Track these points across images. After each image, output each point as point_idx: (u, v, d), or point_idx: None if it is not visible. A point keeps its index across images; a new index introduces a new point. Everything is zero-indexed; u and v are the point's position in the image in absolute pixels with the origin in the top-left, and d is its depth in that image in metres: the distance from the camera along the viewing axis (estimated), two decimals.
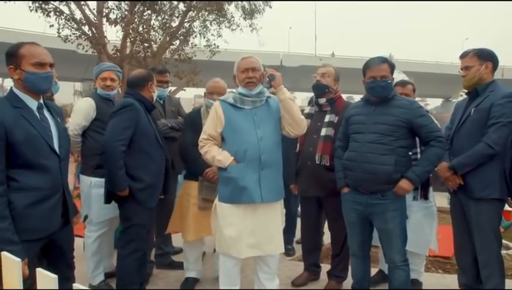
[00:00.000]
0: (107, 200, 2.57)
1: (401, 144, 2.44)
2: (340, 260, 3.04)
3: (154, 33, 12.59)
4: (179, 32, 12.89)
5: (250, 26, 14.25)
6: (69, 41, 11.61)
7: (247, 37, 16.56)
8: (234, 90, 2.56)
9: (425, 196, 2.87)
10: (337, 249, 3.04)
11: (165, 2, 12.58)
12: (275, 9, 14.26)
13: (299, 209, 3.92)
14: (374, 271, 3.08)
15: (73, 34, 11.68)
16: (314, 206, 3.09)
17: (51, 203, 1.83)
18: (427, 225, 2.89)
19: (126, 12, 11.91)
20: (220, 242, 2.44)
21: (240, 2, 13.56)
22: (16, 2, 11.21)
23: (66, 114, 3.47)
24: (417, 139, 2.64)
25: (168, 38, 12.63)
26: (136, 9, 11.91)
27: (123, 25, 11.48)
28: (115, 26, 11.63)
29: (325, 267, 3.24)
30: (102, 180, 2.65)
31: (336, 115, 2.95)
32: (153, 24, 12.56)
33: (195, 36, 13.53)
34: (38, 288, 0.99)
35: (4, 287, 1.10)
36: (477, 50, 2.52)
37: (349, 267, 2.94)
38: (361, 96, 2.71)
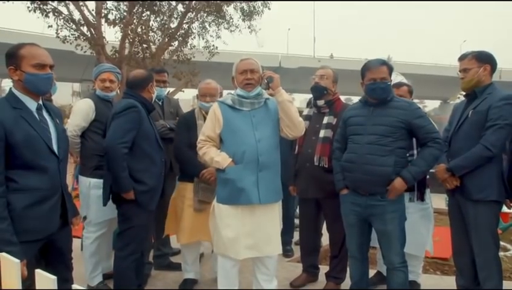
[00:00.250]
0: (106, 202, 2.55)
1: (399, 145, 2.44)
2: (338, 262, 3.05)
3: (152, 34, 12.61)
4: (178, 34, 12.90)
5: (249, 27, 14.28)
6: (67, 42, 11.59)
7: (246, 38, 16.65)
8: (233, 92, 2.56)
9: (421, 198, 2.88)
10: (335, 250, 3.05)
11: (163, 3, 12.59)
12: (273, 11, 14.28)
13: (297, 210, 3.94)
14: (372, 273, 3.09)
15: (72, 34, 11.66)
16: (312, 207, 3.09)
17: (49, 204, 1.82)
18: (424, 227, 2.89)
19: (125, 13, 11.92)
20: (218, 243, 2.44)
21: (238, 4, 13.57)
22: (15, 2, 11.19)
23: (64, 115, 3.47)
24: (414, 140, 2.65)
25: (166, 39, 12.65)
26: (134, 10, 11.92)
27: (122, 25, 11.49)
28: (113, 27, 11.64)
29: (324, 268, 3.25)
30: (101, 181, 2.64)
31: (334, 116, 2.95)
32: (152, 25, 12.58)
33: (194, 37, 13.56)
34: (37, 289, 0.99)
35: (3, 288, 1.10)
36: (476, 52, 2.53)
37: (348, 269, 2.94)
38: (360, 98, 2.71)
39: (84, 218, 3.06)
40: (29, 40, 2.18)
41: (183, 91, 13.92)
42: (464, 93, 2.63)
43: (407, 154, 2.61)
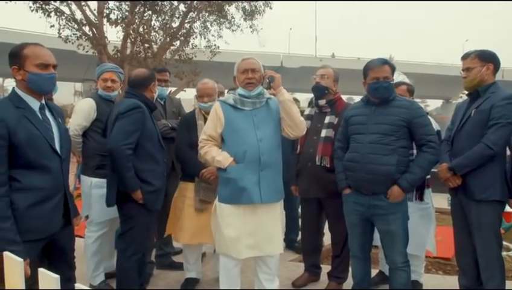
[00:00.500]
0: (111, 202, 2.52)
1: (402, 144, 2.44)
2: (340, 261, 3.04)
3: (154, 34, 12.60)
4: (180, 33, 12.89)
5: (250, 27, 14.26)
6: (69, 41, 11.60)
7: (247, 38, 16.60)
8: (232, 91, 2.56)
9: (420, 197, 2.88)
10: (337, 250, 3.05)
11: (165, 2, 12.59)
12: (275, 10, 14.26)
13: (299, 210, 3.94)
14: (374, 272, 3.08)
15: (74, 34, 11.66)
16: (314, 207, 3.09)
17: (52, 204, 1.83)
18: (423, 227, 2.88)
19: (127, 13, 11.92)
20: (220, 243, 2.45)
21: (240, 3, 13.57)
22: (17, 2, 11.21)
23: (66, 115, 3.47)
24: None
25: (168, 39, 12.64)
26: (136, 10, 11.91)
27: (124, 25, 11.48)
28: (115, 26, 11.63)
29: (326, 268, 3.24)
30: (103, 180, 2.65)
31: (335, 116, 2.95)
32: (154, 25, 12.57)
33: (196, 37, 13.56)
34: (40, 288, 0.99)
35: (6, 287, 1.10)
36: (479, 51, 2.52)
37: (350, 268, 2.94)
38: (362, 97, 2.71)
39: (87, 217, 3.06)
40: (31, 39, 2.18)
41: (184, 91, 13.89)
42: (467, 92, 2.62)
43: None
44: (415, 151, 2.73)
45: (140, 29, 11.84)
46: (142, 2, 11.73)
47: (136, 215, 2.48)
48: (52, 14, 11.35)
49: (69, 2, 11.46)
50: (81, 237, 3.04)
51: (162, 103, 3.34)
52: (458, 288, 2.72)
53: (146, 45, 11.98)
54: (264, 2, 13.73)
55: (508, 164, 2.50)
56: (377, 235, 2.63)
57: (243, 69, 2.47)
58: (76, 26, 11.61)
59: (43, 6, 11.21)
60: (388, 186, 2.43)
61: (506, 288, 2.47)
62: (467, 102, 2.63)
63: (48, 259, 1.96)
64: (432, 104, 47.35)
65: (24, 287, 1.07)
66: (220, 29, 13.86)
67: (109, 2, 11.95)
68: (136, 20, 11.75)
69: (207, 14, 13.19)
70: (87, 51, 11.88)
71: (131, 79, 2.63)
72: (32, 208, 1.75)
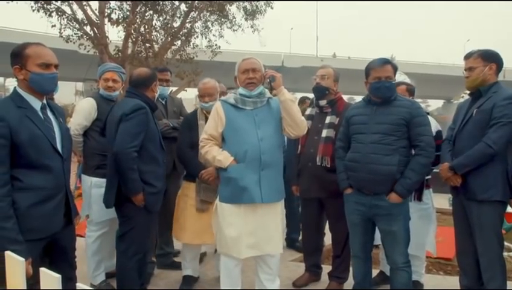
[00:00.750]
0: (110, 204, 2.51)
1: (403, 143, 2.44)
2: (341, 261, 3.04)
3: (155, 33, 12.62)
4: (181, 33, 12.90)
5: (251, 26, 14.28)
6: (70, 41, 11.61)
7: (248, 37, 16.60)
8: (233, 91, 2.56)
9: (419, 198, 2.87)
10: (338, 250, 3.04)
11: (166, 2, 12.60)
12: (276, 10, 14.27)
13: (299, 210, 3.94)
14: (375, 272, 3.08)
15: (75, 34, 11.68)
16: (315, 207, 3.09)
17: (54, 203, 1.83)
18: (422, 227, 2.88)
19: (128, 13, 11.93)
20: (221, 242, 2.45)
21: (241, 3, 13.57)
22: (18, 2, 11.22)
23: (67, 114, 3.47)
24: None
25: (169, 38, 12.65)
26: (137, 10, 11.92)
27: (125, 25, 11.48)
28: (116, 26, 11.63)
29: (326, 268, 3.24)
30: (103, 180, 2.65)
31: (336, 116, 2.95)
32: (155, 24, 12.59)
33: (197, 36, 13.57)
34: (41, 288, 0.99)
35: (8, 287, 1.10)
36: (481, 51, 2.51)
37: (351, 268, 2.94)
38: (363, 97, 2.70)
39: (87, 217, 3.06)
40: (32, 39, 2.18)
41: (186, 90, 13.91)
42: (468, 92, 2.62)
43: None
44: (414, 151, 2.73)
45: (142, 28, 11.85)
46: (144, 2, 11.74)
47: (135, 216, 2.46)
48: (54, 13, 11.37)
49: (71, 1, 11.47)
50: (82, 236, 3.04)
51: (163, 102, 3.34)
52: (459, 288, 2.72)
53: (147, 45, 12.00)
54: (265, 1, 13.75)
55: (510, 164, 2.49)
56: (377, 235, 2.62)
57: (243, 69, 2.47)
58: (77, 26, 11.63)
59: (45, 6, 11.23)
60: (389, 186, 2.43)
61: (508, 289, 2.46)
62: (469, 102, 2.62)
63: (49, 258, 1.95)
64: (433, 105, 47.34)
65: (25, 287, 1.07)
66: (221, 29, 13.88)
67: (110, 1, 11.98)
68: (137, 20, 11.76)
69: (208, 13, 13.19)
70: (88, 51, 11.90)
71: (133, 78, 2.61)
72: (33, 208, 1.76)
